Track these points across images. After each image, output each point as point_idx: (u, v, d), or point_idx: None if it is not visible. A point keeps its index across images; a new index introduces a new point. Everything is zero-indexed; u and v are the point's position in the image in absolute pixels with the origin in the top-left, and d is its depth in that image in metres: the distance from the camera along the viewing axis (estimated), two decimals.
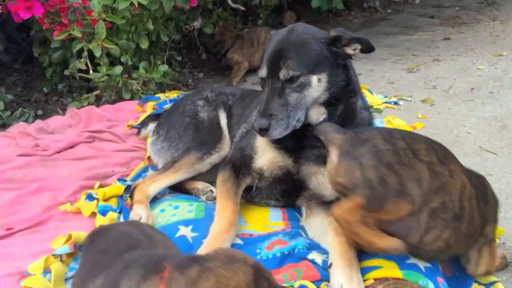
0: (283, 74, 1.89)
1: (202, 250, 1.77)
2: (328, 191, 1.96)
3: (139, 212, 2.07)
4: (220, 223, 1.90)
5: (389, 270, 1.63)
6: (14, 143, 2.70)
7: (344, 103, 1.99)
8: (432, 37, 4.93)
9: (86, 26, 2.39)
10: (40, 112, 3.56)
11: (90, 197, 2.21)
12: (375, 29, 5.41)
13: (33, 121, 3.44)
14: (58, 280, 1.72)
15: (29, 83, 4.06)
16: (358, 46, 1.96)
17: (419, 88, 3.63)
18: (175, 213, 2.08)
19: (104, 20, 2.38)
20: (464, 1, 6.28)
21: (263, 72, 1.95)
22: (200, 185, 2.34)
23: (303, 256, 1.76)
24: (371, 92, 3.48)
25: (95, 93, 3.24)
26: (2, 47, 3.93)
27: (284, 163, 2.04)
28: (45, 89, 3.83)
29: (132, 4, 2.43)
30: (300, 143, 2.01)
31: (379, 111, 3.28)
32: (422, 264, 1.64)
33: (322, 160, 1.90)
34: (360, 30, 5.32)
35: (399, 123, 3.02)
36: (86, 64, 2.52)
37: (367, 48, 1.98)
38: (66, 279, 1.75)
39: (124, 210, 2.16)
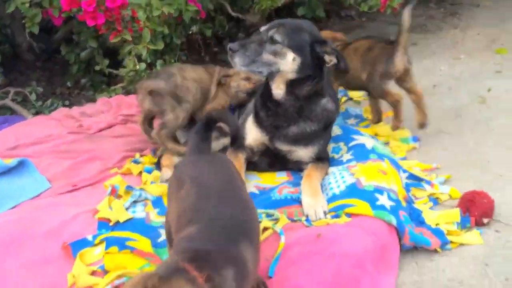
0: (271, 32, 2.41)
1: None
2: (304, 159, 2.61)
3: (168, 173, 2.66)
4: None
5: (363, 209, 2.16)
6: (60, 125, 3.25)
7: (307, 94, 2.48)
8: None
9: (135, 32, 3.01)
10: (67, 102, 4.09)
11: (135, 162, 2.81)
12: (352, 36, 6.06)
13: None
14: (118, 210, 2.32)
15: (51, 78, 4.58)
16: (335, 60, 2.42)
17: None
18: None
19: (148, 27, 3.00)
20: (430, 11, 7.03)
21: (264, 27, 2.51)
22: None
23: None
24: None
25: (120, 85, 3.80)
26: (26, 47, 4.49)
27: (263, 140, 2.63)
28: (68, 83, 4.36)
29: (163, 12, 3.06)
30: (273, 122, 2.58)
31: (358, 103, 3.95)
32: (388, 204, 2.20)
33: (289, 139, 2.56)
34: None
35: None
36: (134, 61, 3.11)
37: (344, 66, 2.44)
38: (126, 209, 2.37)
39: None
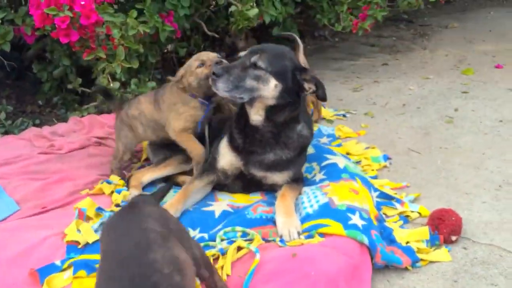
0: (254, 58, 2.38)
1: None
2: (278, 182, 2.60)
3: (135, 193, 2.65)
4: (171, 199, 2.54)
5: (336, 229, 2.18)
6: (30, 145, 3.18)
7: (284, 120, 2.48)
8: (373, 63, 5.77)
9: (109, 50, 2.99)
10: (37, 121, 4.03)
11: (108, 182, 2.77)
12: (325, 55, 6.20)
13: None
14: (87, 231, 2.27)
15: (21, 97, 4.50)
16: (314, 88, 2.43)
17: (362, 104, 4.40)
18: None
19: (123, 45, 2.99)
20: (400, 32, 7.25)
21: (243, 52, 2.50)
22: (188, 179, 2.84)
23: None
24: (323, 107, 4.21)
25: (92, 104, 3.77)
26: None
27: (238, 164, 2.62)
28: (40, 102, 4.30)
29: (138, 31, 3.06)
30: (249, 148, 2.56)
31: (330, 122, 4.01)
32: (360, 223, 2.23)
33: (264, 166, 2.56)
34: (312, 56, 6.08)
35: (347, 130, 3.76)
36: (108, 79, 3.10)
37: (321, 95, 2.45)
38: (96, 230, 2.32)
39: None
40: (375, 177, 3.03)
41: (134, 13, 3.25)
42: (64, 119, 4.04)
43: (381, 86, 4.90)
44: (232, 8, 4.14)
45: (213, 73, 2.40)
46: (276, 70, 2.39)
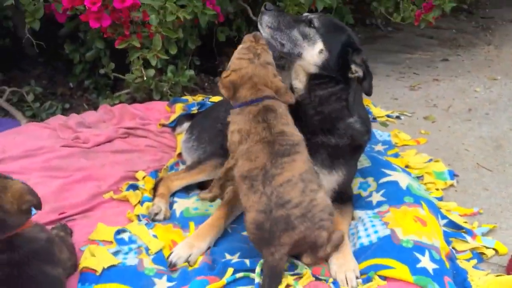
0: (313, 16, 2.21)
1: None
2: None
3: (159, 205, 2.32)
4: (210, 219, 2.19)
5: (402, 273, 1.80)
6: (55, 135, 2.90)
7: (332, 106, 2.16)
8: (431, 57, 5.25)
9: (145, 38, 2.64)
10: (67, 105, 3.76)
11: (132, 187, 2.46)
12: (377, 46, 5.69)
13: (61, 114, 3.67)
14: (102, 254, 1.95)
15: (53, 77, 4.25)
16: (360, 73, 2.14)
17: (421, 106, 3.94)
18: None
19: (160, 33, 2.63)
20: (460, 24, 6.63)
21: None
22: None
23: None
24: (374, 105, 3.77)
25: (125, 91, 3.46)
26: (30, 41, 4.14)
27: None
28: (71, 84, 4.03)
29: (178, 17, 2.68)
30: None
31: (385, 125, 3.57)
32: (430, 267, 1.83)
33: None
34: (363, 46, 5.60)
35: (404, 137, 3.32)
36: (141, 70, 2.76)
37: (367, 86, 2.17)
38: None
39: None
40: (440, 199, 2.61)
41: None
42: (95, 105, 3.76)
43: (442, 85, 4.39)
44: None
45: (264, 6, 2.20)
46: (328, 37, 2.17)
